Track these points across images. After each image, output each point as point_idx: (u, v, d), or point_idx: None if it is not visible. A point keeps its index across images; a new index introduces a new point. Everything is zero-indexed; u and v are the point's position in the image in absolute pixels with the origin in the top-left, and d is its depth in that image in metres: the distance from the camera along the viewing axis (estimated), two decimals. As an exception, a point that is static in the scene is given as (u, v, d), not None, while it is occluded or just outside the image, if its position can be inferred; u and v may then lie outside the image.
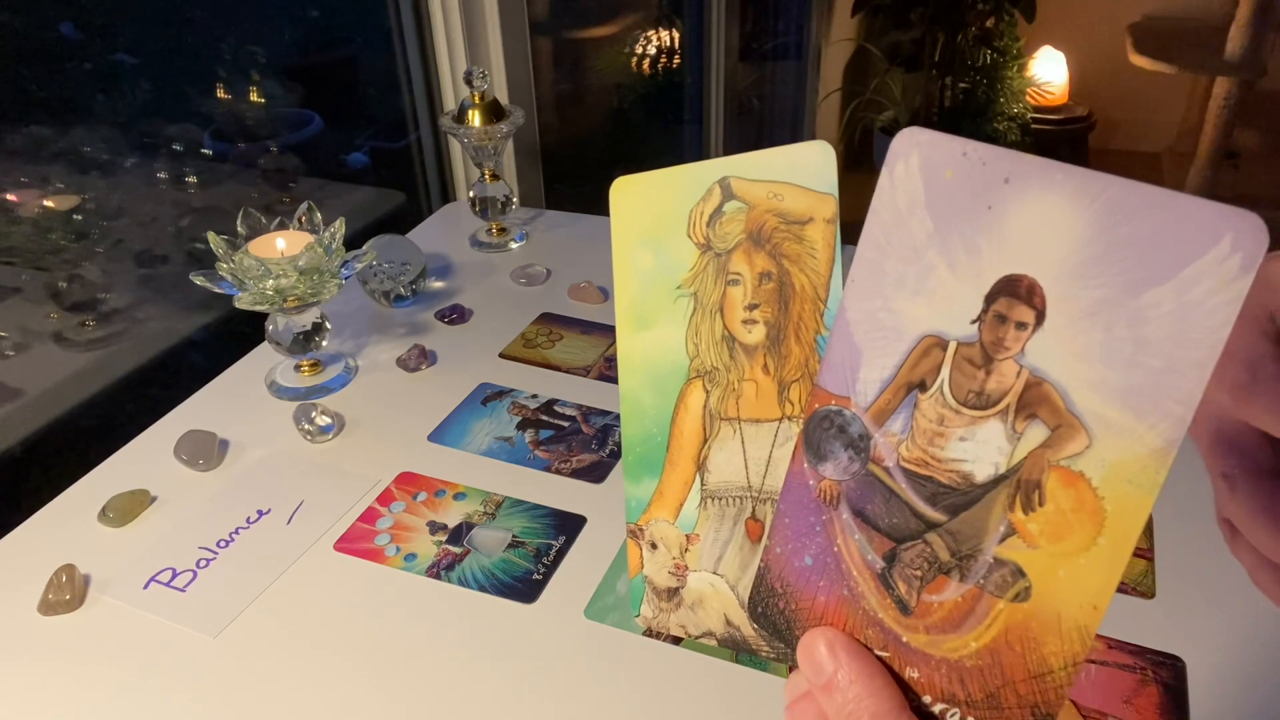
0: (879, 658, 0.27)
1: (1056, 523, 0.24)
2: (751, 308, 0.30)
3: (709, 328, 0.31)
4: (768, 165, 0.29)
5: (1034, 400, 0.24)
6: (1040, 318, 0.24)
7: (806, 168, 0.29)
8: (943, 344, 0.25)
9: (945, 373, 0.25)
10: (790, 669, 0.29)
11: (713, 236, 0.31)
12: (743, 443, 0.31)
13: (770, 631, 0.29)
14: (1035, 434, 0.24)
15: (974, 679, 0.26)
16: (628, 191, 0.32)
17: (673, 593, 0.33)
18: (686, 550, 0.32)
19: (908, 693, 0.27)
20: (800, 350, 0.30)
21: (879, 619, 0.27)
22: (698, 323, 0.31)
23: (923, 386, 0.26)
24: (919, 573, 0.26)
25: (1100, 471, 0.23)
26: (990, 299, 0.24)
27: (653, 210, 0.31)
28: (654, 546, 0.33)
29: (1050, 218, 0.23)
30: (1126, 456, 0.23)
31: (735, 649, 0.32)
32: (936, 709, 0.27)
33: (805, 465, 0.27)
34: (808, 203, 0.29)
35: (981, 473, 0.25)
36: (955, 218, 0.24)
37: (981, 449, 0.25)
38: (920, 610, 0.26)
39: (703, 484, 0.32)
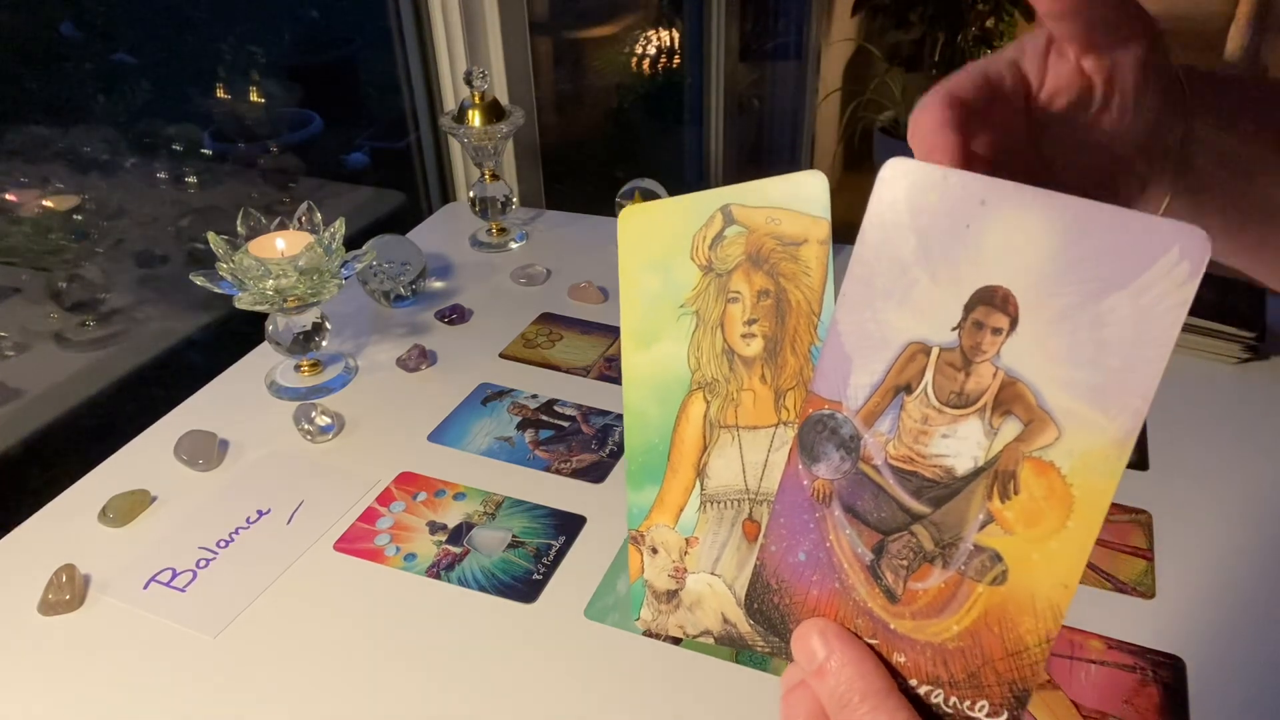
0: (868, 645, 0.29)
1: (1030, 509, 0.26)
2: (750, 323, 0.32)
3: (710, 342, 0.33)
4: (766, 193, 0.32)
5: (1009, 398, 0.26)
6: (1014, 323, 0.26)
7: (802, 194, 0.31)
8: (926, 350, 0.27)
9: (929, 376, 0.27)
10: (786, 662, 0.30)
11: (714, 258, 0.33)
12: (741, 448, 0.33)
13: (766, 626, 0.30)
14: (1010, 429, 0.26)
15: (956, 660, 0.27)
16: (634, 220, 0.34)
17: (672, 595, 0.34)
18: (686, 553, 0.34)
19: (895, 677, 0.29)
20: (795, 360, 0.31)
21: (868, 608, 0.29)
22: (699, 338, 0.33)
23: (908, 389, 0.28)
24: (905, 562, 0.28)
25: (1069, 461, 0.26)
26: (969, 308, 0.27)
27: (658, 236, 0.33)
28: (654, 551, 0.34)
29: (1021, 234, 0.26)
30: (1091, 447, 0.25)
31: (732, 646, 0.33)
32: (921, 691, 0.28)
33: (800, 466, 0.29)
34: (803, 225, 0.31)
35: (962, 466, 0.27)
36: (937, 236, 0.27)
37: (962, 444, 0.27)
38: (906, 598, 0.28)
39: (702, 489, 0.33)
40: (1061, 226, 0.25)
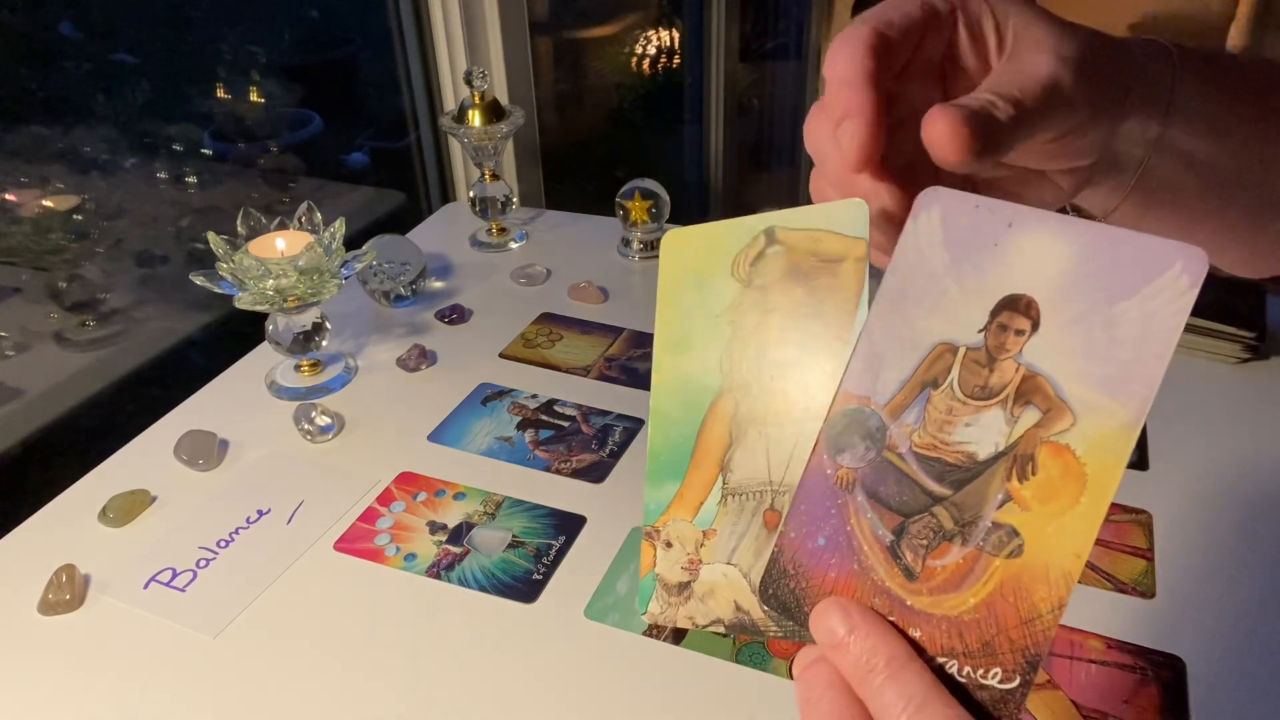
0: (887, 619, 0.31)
1: (1047, 488, 0.29)
2: (787, 330, 0.34)
3: (744, 348, 0.35)
4: (809, 217, 0.34)
5: (1029, 390, 0.29)
6: (1035, 325, 0.29)
7: (842, 220, 0.33)
8: (953, 349, 0.30)
9: (955, 372, 0.30)
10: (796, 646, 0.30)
11: (755, 273, 0.34)
12: (768, 443, 0.34)
13: (780, 611, 0.32)
14: (1029, 417, 0.29)
15: (972, 631, 0.29)
16: (677, 242, 0.36)
17: (684, 587, 0.35)
18: (702, 545, 0.35)
19: None
20: (829, 362, 0.33)
21: (886, 587, 0.30)
22: (734, 345, 0.35)
23: (935, 384, 0.30)
24: (925, 541, 0.30)
25: (1083, 444, 0.28)
26: (995, 313, 0.30)
27: (699, 255, 0.36)
28: (669, 545, 0.35)
29: (1044, 251, 0.29)
30: (1103, 430, 0.28)
31: (743, 633, 0.35)
32: (937, 663, 0.30)
33: (824, 456, 0.31)
34: (842, 244, 0.33)
35: (984, 452, 0.29)
36: (968, 252, 0.30)
37: (984, 432, 0.29)
38: (925, 575, 0.30)
39: (724, 483, 0.35)
40: (1079, 246, 0.29)
